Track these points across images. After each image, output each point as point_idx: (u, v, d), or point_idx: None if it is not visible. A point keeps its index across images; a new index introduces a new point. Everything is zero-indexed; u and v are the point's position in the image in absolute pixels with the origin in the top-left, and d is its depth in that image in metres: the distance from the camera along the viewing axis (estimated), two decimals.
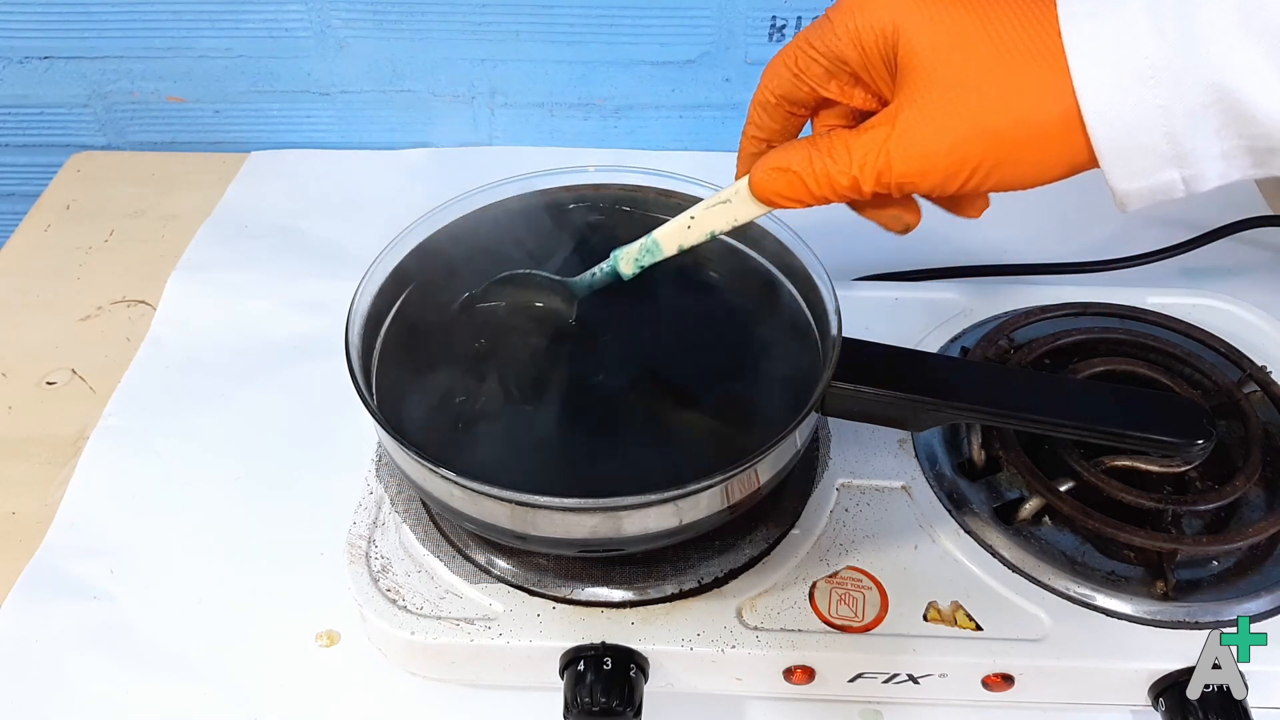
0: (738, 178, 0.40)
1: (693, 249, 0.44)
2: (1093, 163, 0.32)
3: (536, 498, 0.39)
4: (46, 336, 0.66)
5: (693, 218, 0.42)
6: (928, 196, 0.36)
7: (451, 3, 0.73)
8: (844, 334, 0.44)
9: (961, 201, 0.38)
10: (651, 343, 0.50)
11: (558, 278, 0.48)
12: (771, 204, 0.38)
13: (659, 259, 0.44)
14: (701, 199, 0.50)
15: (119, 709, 0.47)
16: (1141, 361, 0.53)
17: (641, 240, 0.44)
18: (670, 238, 0.43)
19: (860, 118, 0.37)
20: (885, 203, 0.37)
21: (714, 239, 0.42)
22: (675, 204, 0.54)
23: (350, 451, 0.52)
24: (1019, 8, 0.31)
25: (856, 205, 0.38)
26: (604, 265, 0.47)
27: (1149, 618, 0.44)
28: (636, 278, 0.47)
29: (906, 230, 0.38)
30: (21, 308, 0.69)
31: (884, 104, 0.36)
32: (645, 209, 0.55)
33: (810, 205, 0.37)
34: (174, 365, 0.63)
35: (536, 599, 0.45)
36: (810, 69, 0.37)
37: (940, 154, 0.33)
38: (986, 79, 0.31)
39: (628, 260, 0.45)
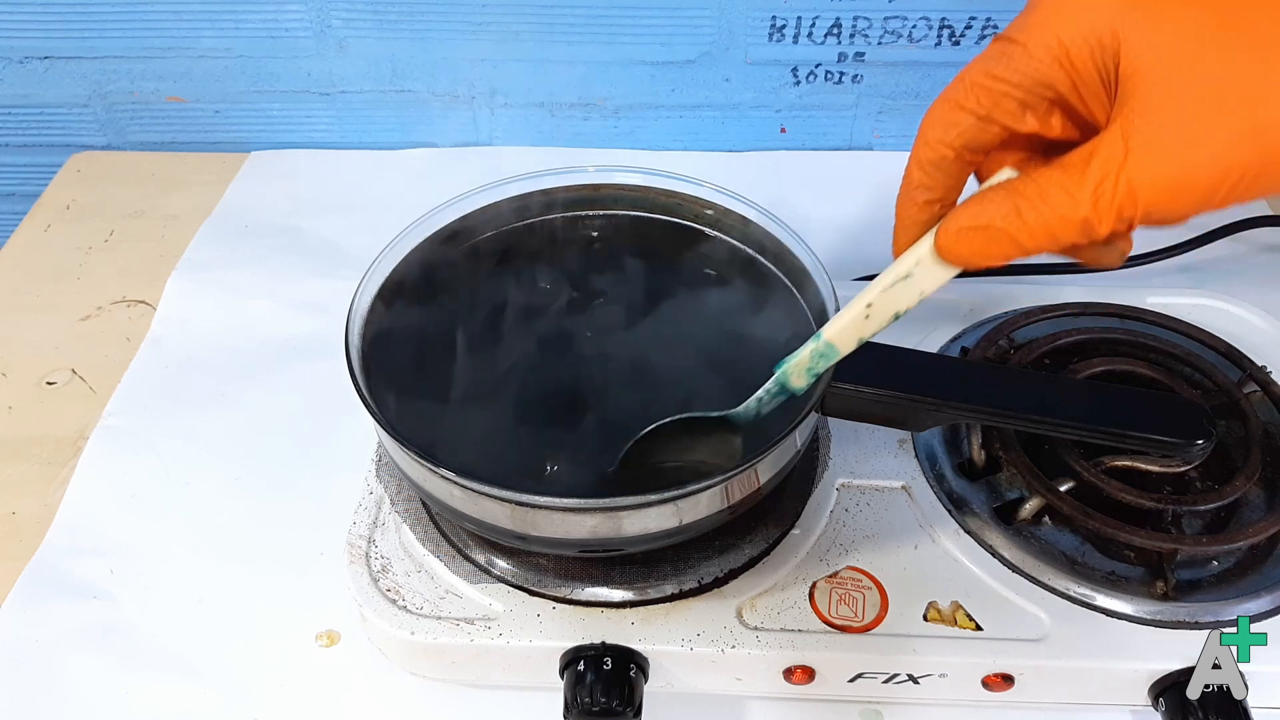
0: (901, 247, 0.35)
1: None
2: None
3: (536, 498, 0.39)
4: (46, 336, 0.66)
5: (869, 305, 0.36)
6: (1161, 223, 0.30)
7: (451, 3, 0.73)
8: None
9: (1111, 248, 0.33)
10: (652, 344, 0.50)
11: (718, 414, 0.43)
12: (966, 266, 0.33)
13: (835, 361, 0.39)
14: (704, 199, 0.49)
15: (119, 709, 0.47)
16: (1141, 361, 0.53)
17: (809, 346, 0.38)
18: (846, 334, 0.37)
19: (1047, 151, 0.32)
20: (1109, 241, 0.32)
21: (896, 320, 0.36)
22: (675, 204, 0.54)
23: (350, 451, 0.52)
24: None
25: (1069, 251, 0.32)
26: (769, 387, 0.41)
27: (1149, 618, 0.44)
28: (636, 277, 0.47)
29: (1123, 258, 0.33)
30: (21, 308, 0.68)
31: (1086, 129, 0.31)
32: (646, 209, 0.55)
33: (1014, 259, 0.31)
34: (174, 365, 0.63)
35: (536, 599, 0.45)
36: (1001, 105, 0.31)
37: (1199, 168, 0.27)
38: (1241, 74, 0.27)
39: (798, 373, 0.39)
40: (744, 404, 0.42)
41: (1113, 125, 0.29)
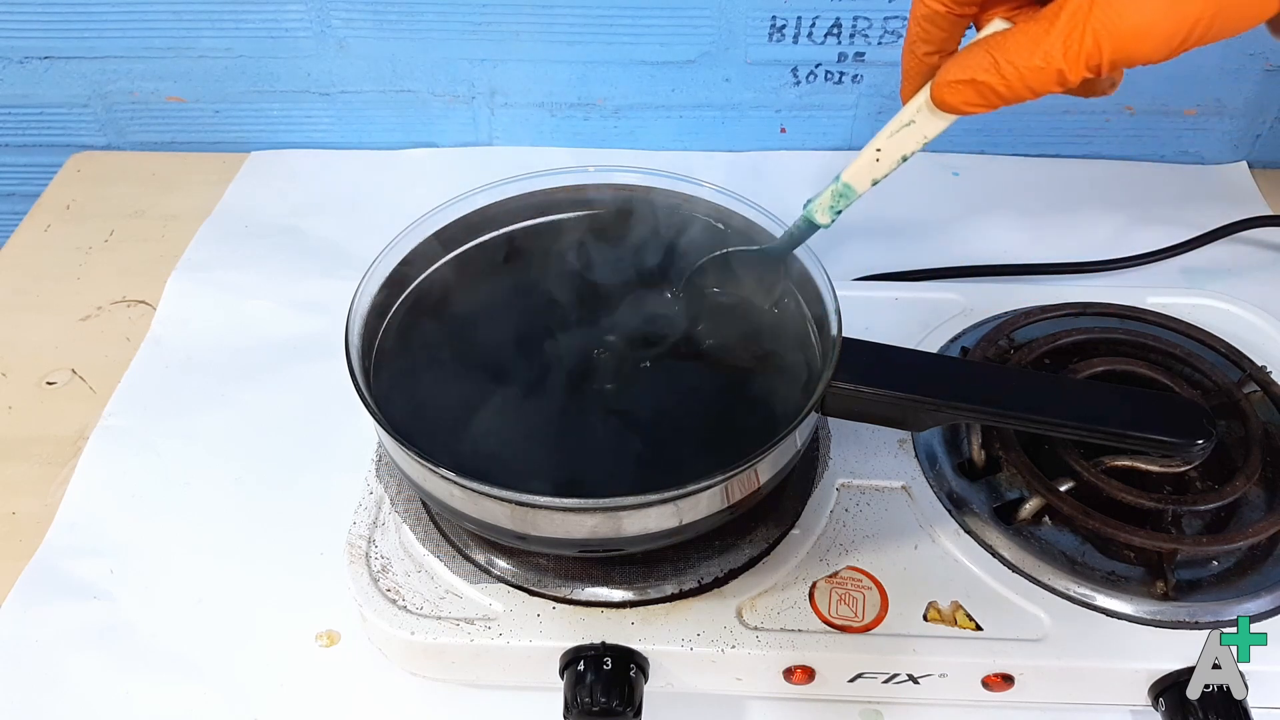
0: (906, 98, 0.39)
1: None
2: None
3: (536, 498, 0.39)
4: (46, 336, 0.66)
5: (879, 149, 0.41)
6: (1128, 66, 0.34)
7: (451, 3, 0.73)
8: (844, 334, 0.44)
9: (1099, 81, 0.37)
10: (651, 344, 0.50)
11: (755, 248, 0.49)
12: (959, 113, 0.37)
13: (854, 200, 0.43)
14: (704, 198, 0.50)
15: (119, 709, 0.47)
16: (1141, 361, 0.53)
17: (830, 187, 0.43)
18: (860, 175, 0.42)
19: (1032, 2, 0.36)
20: (1087, 86, 0.36)
21: (904, 162, 0.41)
22: (676, 204, 0.54)
23: (350, 451, 0.52)
24: None
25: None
26: (797, 222, 0.46)
27: (1149, 618, 0.44)
28: (636, 279, 0.47)
29: (1114, 87, 0.38)
30: (21, 308, 0.69)
31: None
32: (646, 208, 0.55)
33: (1002, 105, 0.35)
34: (174, 365, 0.63)
35: (536, 599, 0.45)
36: None
37: (1157, 15, 0.30)
38: None
39: (822, 210, 0.44)
40: (778, 239, 0.48)
41: None
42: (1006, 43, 0.33)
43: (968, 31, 0.39)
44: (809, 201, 0.45)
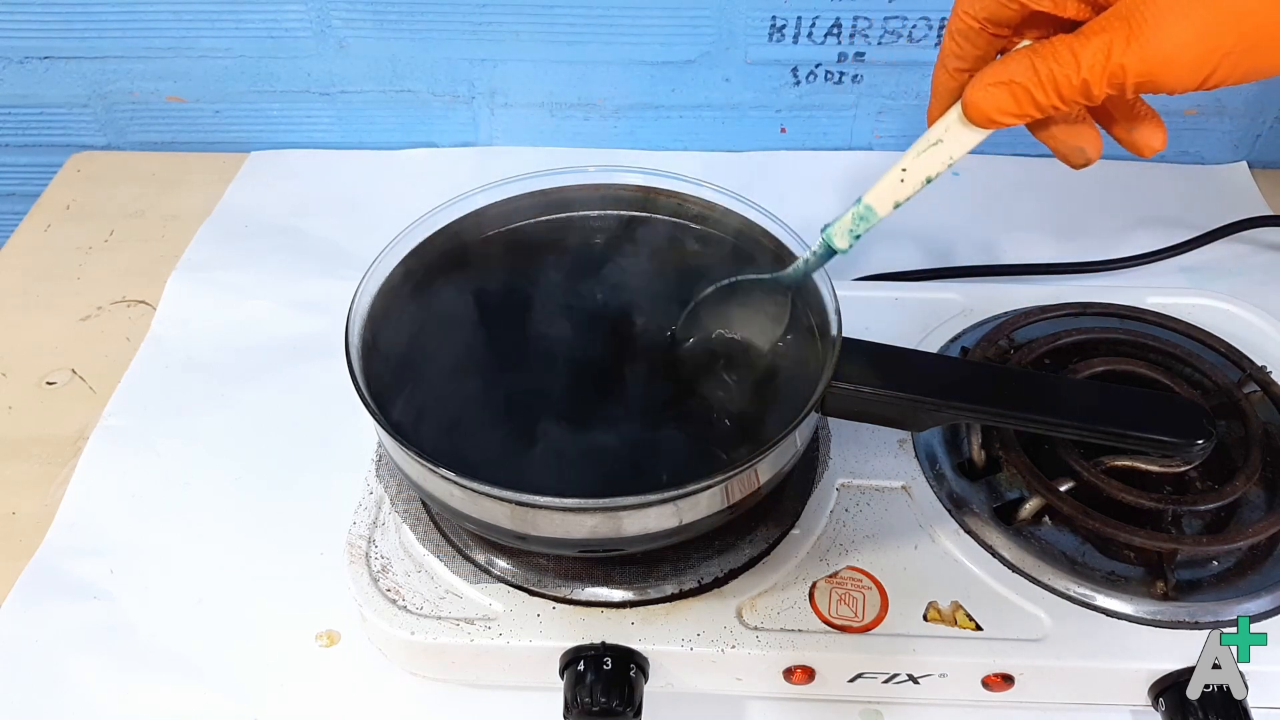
0: (934, 117, 0.39)
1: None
2: None
3: (536, 498, 0.39)
4: (46, 336, 0.66)
5: (904, 169, 0.40)
6: (1154, 92, 0.35)
7: (451, 3, 0.73)
8: (844, 334, 0.44)
9: (1141, 127, 0.38)
10: (651, 344, 0.50)
11: (768, 275, 0.47)
12: (992, 124, 0.37)
13: (875, 223, 0.42)
14: (702, 198, 0.50)
15: (119, 709, 0.47)
16: (1141, 361, 0.53)
17: (851, 209, 0.42)
18: (884, 197, 0.41)
19: (1067, 29, 0.36)
20: (1079, 130, 0.37)
21: (928, 184, 0.40)
22: (676, 204, 0.54)
23: (350, 451, 0.52)
24: None
25: (1040, 126, 0.38)
26: (814, 249, 0.44)
27: (1149, 618, 0.44)
28: (634, 279, 0.47)
29: (1086, 164, 0.38)
30: (21, 308, 0.69)
31: (1098, 8, 0.35)
32: (646, 209, 0.55)
33: (1032, 119, 0.36)
34: (174, 365, 0.63)
35: (536, 599, 0.45)
36: None
37: (1187, 44, 0.31)
38: None
39: (841, 234, 0.43)
40: (792, 265, 0.46)
41: (1120, 3, 0.33)
42: (1046, 49, 0.34)
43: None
44: (827, 226, 0.43)
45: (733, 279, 0.47)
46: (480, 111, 0.81)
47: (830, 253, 0.44)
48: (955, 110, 0.38)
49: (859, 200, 0.42)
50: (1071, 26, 0.35)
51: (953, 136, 0.38)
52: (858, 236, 0.42)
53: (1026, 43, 0.36)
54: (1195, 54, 0.31)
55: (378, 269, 0.49)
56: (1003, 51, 0.38)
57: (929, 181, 0.40)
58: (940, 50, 0.39)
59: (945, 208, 0.74)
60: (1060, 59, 0.34)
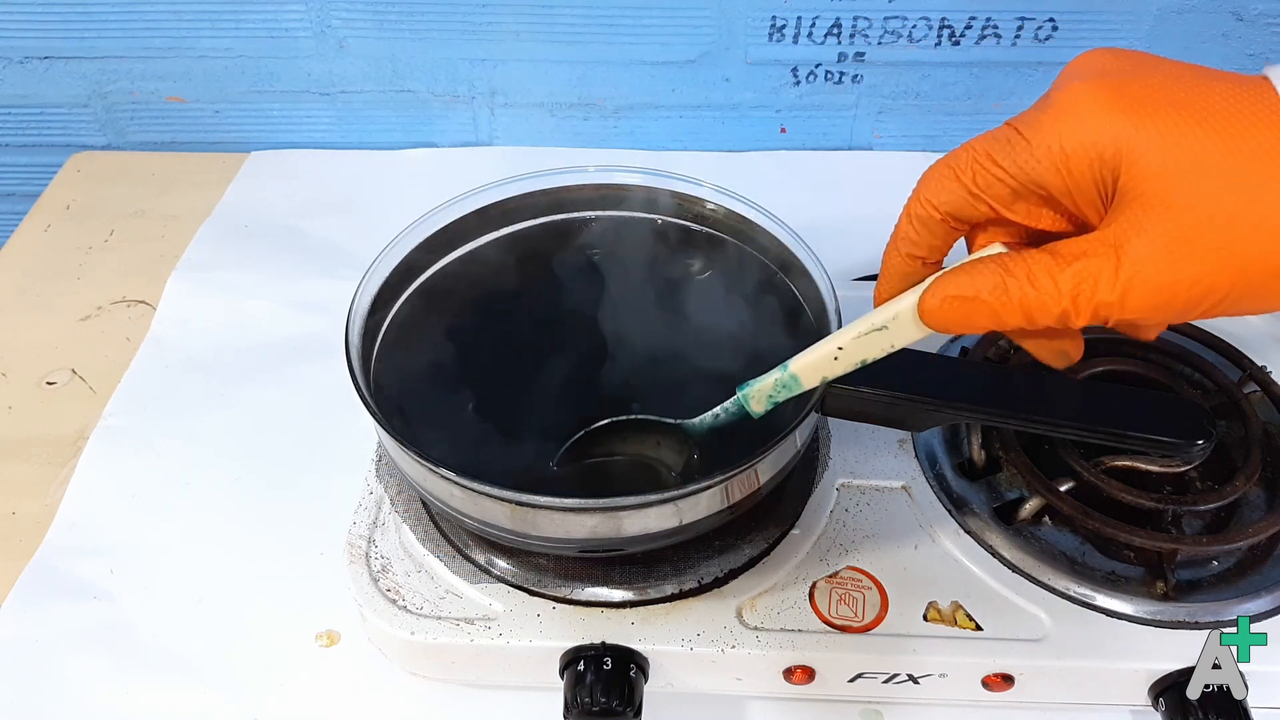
0: (882, 298, 0.36)
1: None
2: None
3: (536, 498, 0.39)
4: (46, 336, 0.66)
5: (840, 348, 0.37)
6: (1132, 326, 0.33)
7: (451, 3, 0.73)
8: None
9: (1067, 343, 0.35)
10: (652, 345, 0.50)
11: (672, 421, 0.44)
12: (944, 331, 0.34)
13: (796, 394, 0.40)
14: (702, 199, 0.49)
15: (119, 709, 0.47)
16: (1141, 361, 0.53)
17: (774, 375, 0.40)
18: (811, 371, 0.39)
19: (1036, 237, 0.33)
20: (1058, 335, 0.34)
21: (863, 366, 0.38)
22: (676, 204, 0.54)
23: (350, 451, 0.52)
24: (1257, 120, 0.28)
25: (1020, 334, 0.34)
26: (728, 405, 0.42)
27: (1149, 618, 0.44)
28: (634, 279, 0.47)
29: (1069, 364, 0.35)
30: (21, 308, 0.68)
31: (1077, 226, 0.32)
32: (646, 209, 0.55)
33: (989, 331, 0.33)
34: (174, 365, 0.63)
35: (536, 599, 0.45)
36: (992, 189, 0.32)
37: (1181, 287, 0.28)
38: (1235, 203, 0.28)
39: (759, 399, 0.41)
40: (699, 417, 0.44)
41: (1106, 231, 0.29)
42: (1019, 266, 0.31)
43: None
44: (745, 385, 0.41)
45: (636, 417, 0.45)
46: (480, 111, 0.81)
47: (743, 413, 0.42)
48: (906, 300, 0.34)
49: (785, 367, 0.39)
50: (1041, 236, 0.33)
51: (899, 326, 0.35)
52: (775, 404, 0.41)
53: (997, 246, 0.33)
54: (1189, 297, 0.29)
55: (378, 269, 0.49)
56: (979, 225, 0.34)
57: (865, 364, 0.37)
58: (894, 230, 0.35)
59: None
60: (1038, 284, 0.30)
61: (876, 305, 0.36)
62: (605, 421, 0.45)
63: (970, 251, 0.35)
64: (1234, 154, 0.28)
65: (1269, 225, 0.27)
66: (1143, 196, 0.29)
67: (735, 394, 0.42)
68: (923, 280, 0.34)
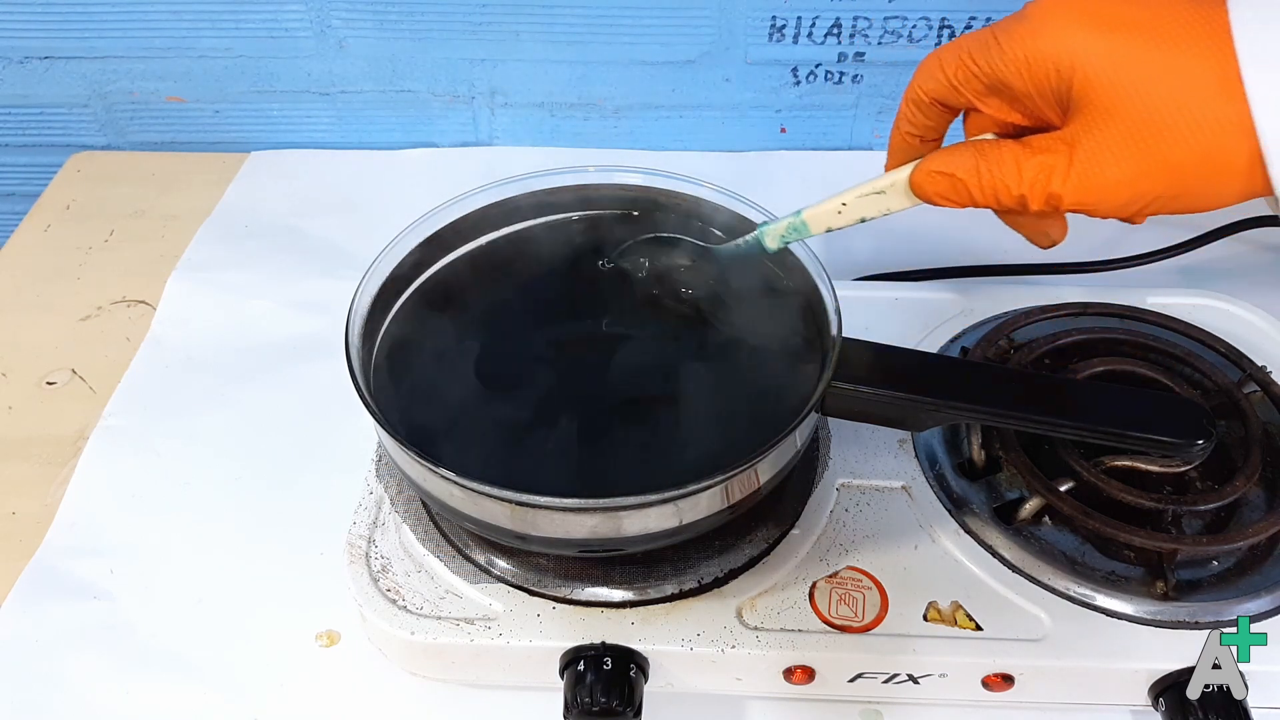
0: (888, 168, 0.41)
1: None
2: (1269, 190, 0.32)
3: (536, 498, 0.39)
4: (46, 336, 0.66)
5: (844, 204, 0.42)
6: (1083, 214, 0.37)
7: (451, 3, 0.73)
8: (844, 334, 0.44)
9: (1049, 225, 0.39)
10: (651, 343, 0.50)
11: (703, 243, 0.50)
12: (930, 202, 0.39)
13: (805, 238, 0.45)
14: (703, 198, 0.49)
15: (119, 709, 0.47)
16: (1141, 361, 0.53)
17: (789, 219, 0.45)
18: (819, 219, 0.44)
19: (1018, 130, 0.38)
20: (1045, 215, 0.38)
21: (862, 223, 0.43)
22: (675, 203, 0.54)
23: (350, 451, 0.52)
24: (1199, 40, 0.32)
25: (1006, 214, 0.39)
26: (748, 238, 0.47)
27: (1149, 618, 0.44)
28: (635, 278, 0.47)
29: (1052, 245, 0.40)
30: (21, 308, 0.69)
31: (1041, 124, 0.37)
32: (645, 209, 0.55)
33: (967, 207, 0.38)
34: (174, 365, 0.63)
35: (536, 599, 0.45)
36: (969, 84, 0.37)
37: (1121, 184, 0.33)
38: (1171, 114, 0.32)
39: (773, 236, 0.46)
40: (724, 245, 0.49)
41: (1065, 130, 0.34)
42: (993, 152, 0.36)
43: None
44: (764, 223, 0.46)
45: (671, 235, 0.51)
46: (480, 111, 0.81)
47: (759, 246, 0.47)
48: (903, 171, 0.40)
49: (798, 213, 0.44)
50: (1018, 129, 0.38)
51: (895, 194, 0.40)
52: (787, 242, 0.46)
53: (989, 136, 0.38)
54: (1128, 194, 0.33)
55: (378, 269, 0.49)
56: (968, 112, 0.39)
57: (864, 220, 0.42)
58: (898, 112, 0.41)
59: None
60: (1004, 168, 0.35)
61: (883, 174, 0.41)
62: (648, 236, 0.51)
63: (966, 136, 0.40)
64: (1171, 70, 0.32)
65: (1196, 131, 0.31)
66: (1094, 103, 0.33)
67: (755, 230, 0.47)
68: (921, 157, 0.39)
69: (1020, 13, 0.35)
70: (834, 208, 0.43)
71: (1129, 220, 0.35)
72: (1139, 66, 0.32)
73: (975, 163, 0.36)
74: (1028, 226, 0.39)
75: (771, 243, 0.46)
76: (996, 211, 0.38)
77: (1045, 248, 0.40)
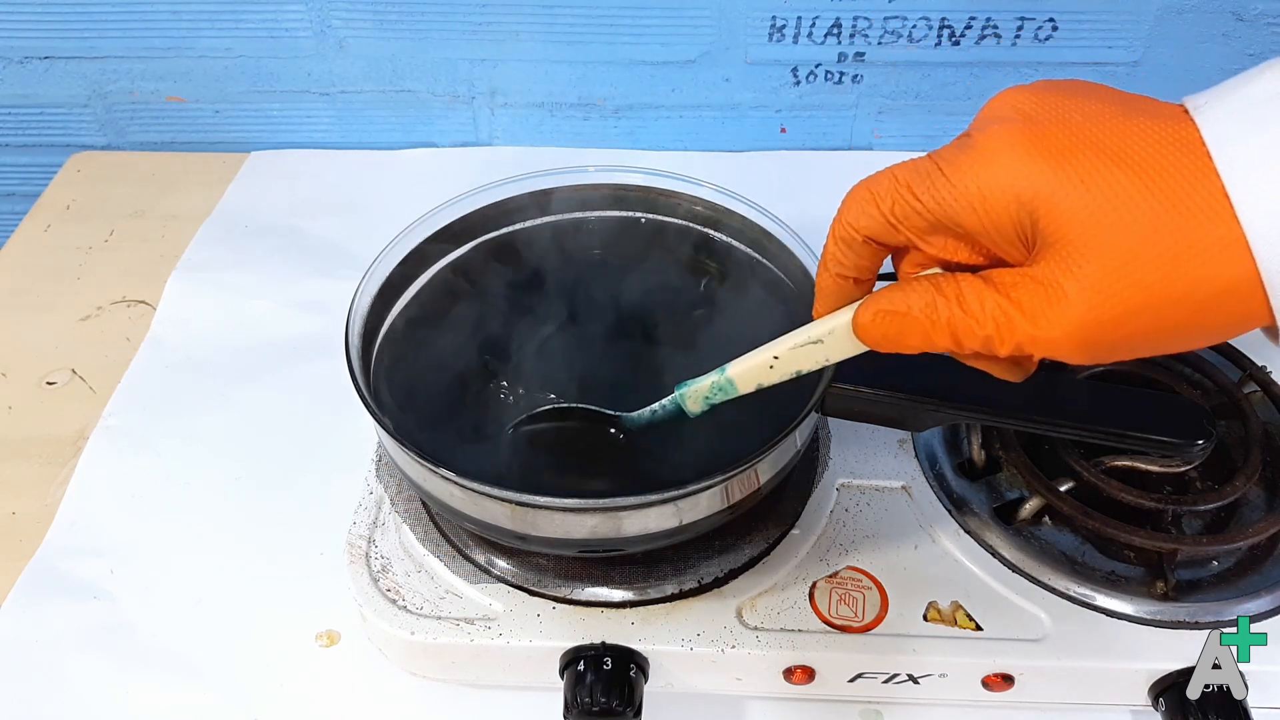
0: (818, 314, 0.36)
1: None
2: (1269, 319, 0.28)
3: (536, 498, 0.39)
4: (46, 336, 0.66)
5: (776, 357, 0.37)
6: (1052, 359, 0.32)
7: (451, 3, 0.73)
8: None
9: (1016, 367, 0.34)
10: (652, 344, 0.50)
11: (611, 412, 0.45)
12: (876, 348, 0.34)
13: (731, 398, 0.40)
14: (700, 198, 0.49)
15: (119, 709, 0.47)
16: (1141, 361, 0.53)
17: (712, 378, 0.40)
18: (748, 376, 0.39)
19: (958, 268, 0.33)
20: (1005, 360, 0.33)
21: (798, 377, 0.38)
22: (674, 203, 0.54)
23: (350, 451, 0.52)
24: (1172, 160, 0.28)
25: (966, 357, 0.34)
26: (665, 403, 0.43)
27: (1149, 618, 0.44)
28: (633, 279, 0.47)
29: (1025, 376, 0.34)
30: (21, 308, 0.68)
31: (993, 261, 0.32)
32: (645, 210, 0.55)
33: (920, 351, 0.33)
34: (174, 365, 0.63)
35: (536, 599, 0.45)
36: (909, 220, 0.32)
37: (1106, 326, 0.29)
38: (1157, 243, 0.28)
39: (695, 399, 0.41)
40: (638, 412, 0.44)
41: (1035, 269, 0.30)
42: (950, 288, 0.31)
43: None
44: (683, 385, 0.42)
45: (578, 405, 0.46)
46: (480, 111, 0.81)
47: (680, 411, 0.42)
48: (842, 316, 0.35)
49: (722, 370, 0.40)
50: (960, 268, 0.33)
51: (835, 341, 0.35)
52: (711, 405, 0.41)
53: (935, 270, 0.33)
54: (1117, 334, 0.29)
55: (378, 269, 0.49)
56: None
57: (799, 374, 0.38)
58: (823, 250, 0.35)
59: None
60: (967, 308, 0.31)
61: (814, 320, 0.36)
62: (546, 408, 0.46)
63: (896, 273, 0.35)
64: (1151, 192, 0.28)
65: (1188, 259, 0.28)
66: (1067, 238, 0.29)
67: (674, 392, 0.42)
68: (857, 298, 0.35)
69: (964, 141, 0.31)
70: (764, 361, 0.38)
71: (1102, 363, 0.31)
72: (1116, 193, 0.28)
73: (932, 298, 0.31)
74: (993, 366, 0.34)
75: (694, 406, 0.41)
76: (954, 354, 0.33)
77: (1018, 380, 0.35)
